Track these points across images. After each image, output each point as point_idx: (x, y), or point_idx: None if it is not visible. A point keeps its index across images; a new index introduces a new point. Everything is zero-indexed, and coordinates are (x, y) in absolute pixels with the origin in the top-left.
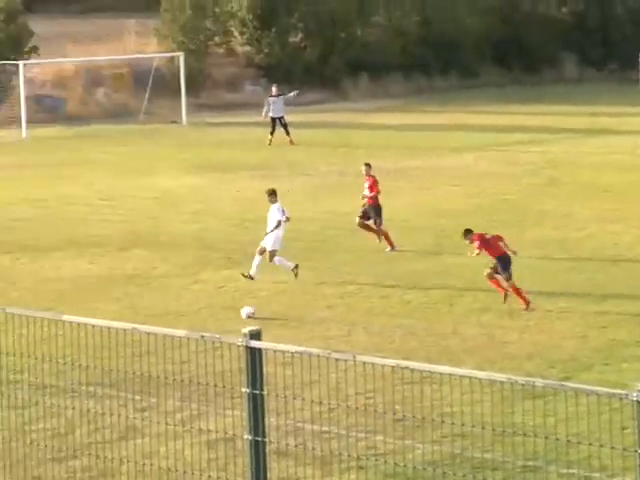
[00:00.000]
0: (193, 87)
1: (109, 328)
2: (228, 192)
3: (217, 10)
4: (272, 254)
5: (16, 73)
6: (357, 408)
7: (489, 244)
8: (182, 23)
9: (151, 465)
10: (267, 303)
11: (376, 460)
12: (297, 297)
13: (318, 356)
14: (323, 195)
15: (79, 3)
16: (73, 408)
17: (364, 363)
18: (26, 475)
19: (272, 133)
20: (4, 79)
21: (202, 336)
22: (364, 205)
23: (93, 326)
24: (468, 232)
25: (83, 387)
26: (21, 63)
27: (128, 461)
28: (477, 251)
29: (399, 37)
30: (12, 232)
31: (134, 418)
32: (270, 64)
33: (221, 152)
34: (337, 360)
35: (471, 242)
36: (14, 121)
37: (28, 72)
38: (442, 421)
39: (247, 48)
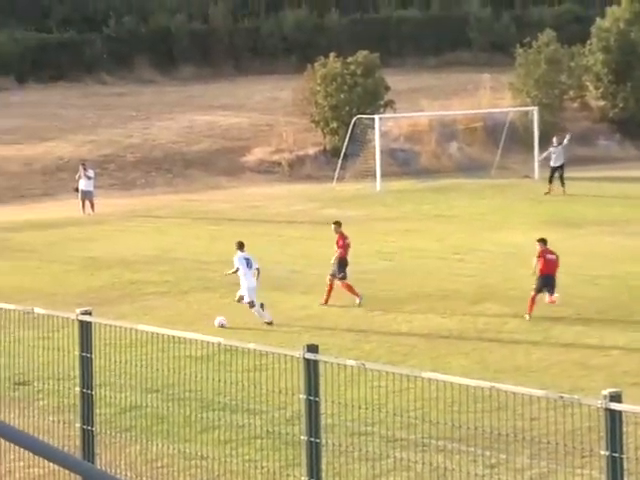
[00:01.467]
0: (546, 141)
1: (467, 386)
2: (579, 247)
3: (572, 64)
4: (250, 304)
5: (371, 127)
6: None
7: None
8: (537, 77)
9: None
10: (619, 362)
11: None
12: None
13: None
14: None
15: (436, 57)
16: (423, 462)
17: None
18: None
19: (550, 182)
20: (360, 132)
21: (561, 397)
22: None
23: (444, 382)
24: (542, 241)
25: (433, 441)
26: (377, 117)
27: None
28: (536, 259)
29: None
30: (364, 284)
31: (483, 476)
32: (624, 119)
33: (572, 207)
34: None
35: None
36: (368, 174)
37: (383, 125)
38: None
39: (601, 102)
